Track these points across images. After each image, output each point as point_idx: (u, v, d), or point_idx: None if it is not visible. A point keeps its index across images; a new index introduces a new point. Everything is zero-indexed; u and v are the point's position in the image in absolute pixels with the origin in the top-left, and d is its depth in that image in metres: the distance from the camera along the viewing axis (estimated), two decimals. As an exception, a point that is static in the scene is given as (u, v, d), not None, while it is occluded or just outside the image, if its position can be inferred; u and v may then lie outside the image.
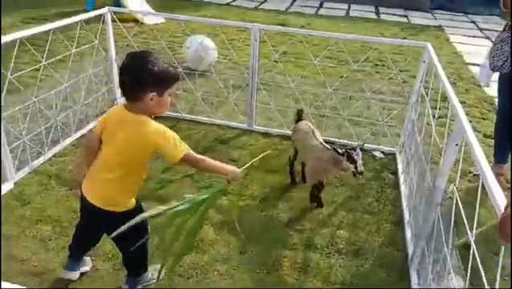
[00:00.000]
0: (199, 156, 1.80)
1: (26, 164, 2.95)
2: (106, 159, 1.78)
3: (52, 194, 2.76)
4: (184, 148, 1.74)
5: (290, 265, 2.36)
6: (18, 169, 2.88)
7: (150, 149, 1.73)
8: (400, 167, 3.33)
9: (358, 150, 2.52)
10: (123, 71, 1.71)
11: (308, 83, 4.68)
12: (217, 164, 1.86)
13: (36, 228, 2.46)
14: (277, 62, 4.22)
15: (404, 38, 7.44)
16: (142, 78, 1.66)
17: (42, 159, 3.07)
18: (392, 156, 3.54)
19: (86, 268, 2.20)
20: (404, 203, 2.86)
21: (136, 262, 2.06)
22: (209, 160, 1.84)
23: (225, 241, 2.49)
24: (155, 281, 2.14)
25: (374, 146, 3.60)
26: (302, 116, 3.06)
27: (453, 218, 1.76)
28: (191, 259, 2.35)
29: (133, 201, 1.86)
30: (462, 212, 1.67)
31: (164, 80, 1.70)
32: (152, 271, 2.15)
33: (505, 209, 1.08)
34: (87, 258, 2.22)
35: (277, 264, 2.36)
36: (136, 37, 4.78)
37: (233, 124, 3.85)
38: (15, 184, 2.82)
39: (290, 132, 3.14)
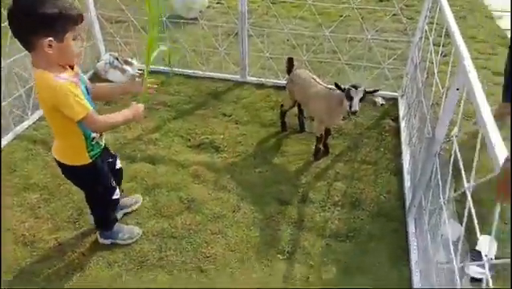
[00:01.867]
0: (101, 116, 1.71)
1: (10, 130, 2.87)
2: None
3: (38, 160, 2.69)
4: (83, 110, 1.60)
5: (285, 220, 2.30)
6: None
7: (49, 107, 1.61)
8: (401, 113, 3.16)
9: (360, 89, 2.34)
10: (9, 17, 1.48)
11: (305, 25, 4.39)
12: (118, 116, 1.77)
13: (23, 196, 2.42)
14: (270, 3, 3.93)
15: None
16: (31, 20, 1.46)
17: (25, 124, 2.97)
18: (393, 102, 3.36)
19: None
20: (404, 151, 2.73)
21: (96, 216, 2.14)
22: (109, 117, 1.74)
23: (217, 200, 2.43)
24: (131, 242, 2.18)
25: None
26: (294, 64, 2.86)
27: (451, 168, 1.63)
28: (183, 220, 2.30)
29: (85, 158, 1.82)
30: (460, 162, 1.54)
31: (59, 21, 1.48)
32: (129, 233, 2.19)
33: (504, 163, 0.93)
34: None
35: (271, 220, 2.31)
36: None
37: (225, 76, 3.66)
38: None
39: (285, 82, 2.96)
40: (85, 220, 2.30)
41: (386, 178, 2.59)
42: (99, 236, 2.19)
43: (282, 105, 2.95)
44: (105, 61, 3.57)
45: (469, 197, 1.37)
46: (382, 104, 3.32)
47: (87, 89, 1.73)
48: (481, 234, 1.31)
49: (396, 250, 2.13)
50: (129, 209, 2.37)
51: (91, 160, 1.84)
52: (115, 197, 2.06)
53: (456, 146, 1.63)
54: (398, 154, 2.78)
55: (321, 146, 2.75)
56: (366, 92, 2.35)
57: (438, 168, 1.84)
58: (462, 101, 1.65)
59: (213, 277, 2.02)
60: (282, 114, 2.95)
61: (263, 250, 2.15)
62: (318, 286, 1.96)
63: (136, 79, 1.95)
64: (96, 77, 3.58)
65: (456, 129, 1.74)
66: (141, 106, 1.86)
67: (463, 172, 1.50)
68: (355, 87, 2.33)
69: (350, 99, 2.33)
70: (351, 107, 2.32)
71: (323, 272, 2.03)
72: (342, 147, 2.86)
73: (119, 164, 2.19)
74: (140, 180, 2.56)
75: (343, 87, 2.38)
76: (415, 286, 1.90)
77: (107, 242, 2.18)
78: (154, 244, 2.18)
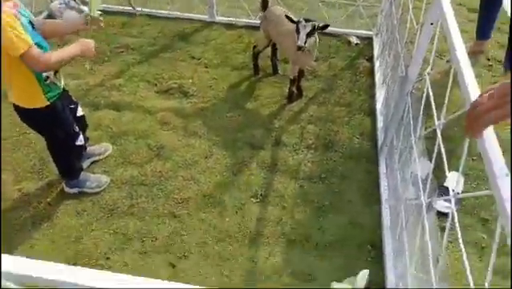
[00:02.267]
0: (46, 53, 1.61)
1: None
2: None
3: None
4: (23, 45, 1.50)
5: (258, 165, 2.28)
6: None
7: None
8: (376, 52, 3.08)
9: (307, 23, 2.24)
10: None
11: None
12: (64, 51, 1.69)
13: (-19, 149, 2.29)
14: None
15: None
16: None
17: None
18: (368, 42, 3.26)
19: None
20: (378, 92, 2.70)
21: (60, 164, 2.07)
22: (54, 53, 1.65)
23: (188, 146, 2.36)
24: (99, 190, 2.12)
25: (349, 31, 3.29)
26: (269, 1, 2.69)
27: (422, 107, 1.61)
28: (152, 167, 2.24)
29: (42, 100, 1.75)
30: (432, 100, 1.51)
31: None
32: (97, 182, 2.13)
33: (477, 99, 0.90)
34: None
35: (243, 165, 2.28)
36: None
37: (192, 15, 3.44)
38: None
39: (259, 21, 2.81)
40: (49, 170, 2.21)
41: (359, 120, 2.57)
42: (65, 185, 2.12)
43: (254, 46, 2.81)
44: (60, 1, 3.28)
45: (439, 135, 1.35)
46: (357, 44, 3.23)
47: (32, 24, 1.58)
48: (450, 170, 1.31)
49: (368, 189, 2.16)
50: (97, 158, 2.28)
51: (49, 103, 1.75)
52: (78, 143, 1.97)
53: (428, 84, 1.60)
54: (372, 95, 2.74)
55: (294, 89, 2.68)
56: (315, 28, 2.25)
57: (410, 107, 1.81)
58: (436, 37, 1.59)
59: (186, 222, 2.01)
60: (255, 56, 2.82)
61: (236, 194, 2.13)
62: (291, 227, 1.98)
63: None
64: (51, 19, 3.29)
65: (429, 68, 1.69)
66: (90, 41, 1.76)
67: (434, 109, 1.48)
68: (307, 20, 2.24)
69: (297, 32, 2.25)
70: (297, 41, 2.24)
71: (295, 213, 2.05)
72: (316, 89, 2.80)
73: (81, 111, 2.08)
74: (106, 128, 2.45)
75: (295, 19, 2.28)
76: (384, 222, 1.95)
77: (74, 190, 2.12)
78: (124, 192, 2.13)
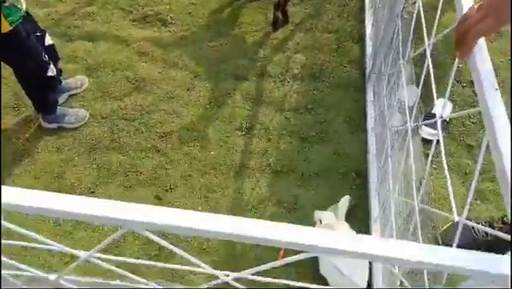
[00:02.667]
0: None
1: None
2: None
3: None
4: None
5: (242, 96, 2.20)
6: None
7: None
8: (367, -27, 2.87)
9: None
10: None
11: None
12: None
13: None
14: None
15: None
16: None
17: None
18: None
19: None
20: (368, 16, 2.55)
21: (34, 98, 1.98)
22: None
23: (169, 78, 2.26)
24: (79, 125, 2.05)
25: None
26: None
27: (412, 26, 1.51)
28: (132, 101, 2.15)
29: (3, 25, 1.62)
30: (423, 20, 1.41)
31: None
32: (75, 116, 2.06)
33: (466, 12, 0.82)
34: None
35: (227, 97, 2.20)
36: None
37: None
38: None
39: None
40: (25, 105, 2.12)
41: (348, 47, 2.46)
42: (42, 120, 2.05)
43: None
44: None
45: (429, 56, 1.28)
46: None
47: None
48: (438, 97, 1.26)
49: (355, 118, 2.12)
50: (74, 92, 2.18)
51: (11, 28, 1.63)
52: (50, 74, 1.87)
53: (420, 4, 1.49)
54: (362, 20, 2.59)
55: (280, 14, 2.51)
56: None
57: (400, 30, 1.72)
58: None
59: (170, 155, 1.98)
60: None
61: (220, 127, 2.08)
62: (277, 158, 1.97)
63: None
64: None
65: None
66: None
67: (425, 30, 1.39)
68: None
69: None
70: None
71: (281, 144, 2.02)
72: (302, 14, 2.63)
73: (49, 40, 1.94)
74: (80, 60, 2.31)
75: None
76: (370, 150, 1.94)
77: (53, 126, 2.05)
78: (104, 126, 2.07)
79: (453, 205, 0.98)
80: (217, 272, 0.54)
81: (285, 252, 1.57)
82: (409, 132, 1.38)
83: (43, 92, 1.96)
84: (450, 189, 0.99)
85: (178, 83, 2.24)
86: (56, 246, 0.53)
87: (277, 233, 0.42)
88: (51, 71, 1.89)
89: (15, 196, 0.45)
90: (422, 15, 1.42)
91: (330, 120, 2.11)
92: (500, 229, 1.65)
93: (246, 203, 1.83)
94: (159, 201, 1.83)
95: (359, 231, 1.57)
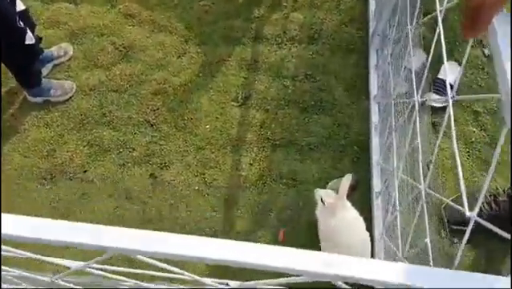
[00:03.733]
0: None
1: None
2: None
3: None
4: None
5: (237, 63, 2.07)
6: None
7: None
8: None
9: None
10: None
11: None
12: None
13: None
14: None
15: None
16: None
17: None
18: None
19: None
20: (372, -32, 2.34)
21: (14, 70, 1.87)
22: None
23: (158, 44, 2.11)
24: (66, 98, 1.95)
25: None
26: None
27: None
28: (121, 70, 2.03)
29: None
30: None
31: None
32: (61, 89, 1.95)
33: None
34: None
35: (221, 64, 2.07)
36: None
37: None
38: None
39: None
40: (8, 77, 1.99)
41: (349, 3, 2.27)
42: (27, 94, 1.94)
43: None
44: None
45: (440, 22, 1.15)
46: None
47: None
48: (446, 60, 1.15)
49: (357, 85, 2.01)
50: (58, 61, 2.04)
51: None
52: (28, 42, 1.72)
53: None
54: (365, -28, 2.39)
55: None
56: None
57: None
58: None
59: (163, 130, 1.90)
60: None
61: (215, 97, 1.98)
62: (275, 130, 1.89)
63: None
64: None
65: None
66: None
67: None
68: None
69: None
70: None
71: (279, 115, 1.93)
72: (300, -33, 2.41)
73: (21, 5, 1.76)
74: (63, 25, 2.14)
75: None
76: (372, 120, 1.85)
77: (39, 100, 1.94)
78: (93, 100, 1.97)
79: (461, 178, 0.87)
80: (217, 284, 0.52)
81: (284, 234, 1.54)
82: (416, 108, 1.29)
83: (24, 63, 1.83)
84: (461, 174, 0.89)
85: (168, 49, 2.09)
86: (47, 259, 0.54)
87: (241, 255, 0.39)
88: (30, 39, 1.74)
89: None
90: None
91: (330, 88, 2.00)
92: (504, 203, 1.62)
93: (244, 180, 1.78)
94: (154, 179, 1.78)
95: (360, 209, 1.53)
